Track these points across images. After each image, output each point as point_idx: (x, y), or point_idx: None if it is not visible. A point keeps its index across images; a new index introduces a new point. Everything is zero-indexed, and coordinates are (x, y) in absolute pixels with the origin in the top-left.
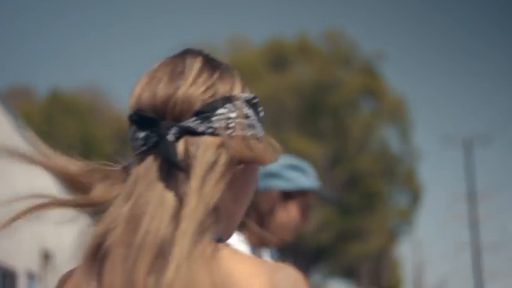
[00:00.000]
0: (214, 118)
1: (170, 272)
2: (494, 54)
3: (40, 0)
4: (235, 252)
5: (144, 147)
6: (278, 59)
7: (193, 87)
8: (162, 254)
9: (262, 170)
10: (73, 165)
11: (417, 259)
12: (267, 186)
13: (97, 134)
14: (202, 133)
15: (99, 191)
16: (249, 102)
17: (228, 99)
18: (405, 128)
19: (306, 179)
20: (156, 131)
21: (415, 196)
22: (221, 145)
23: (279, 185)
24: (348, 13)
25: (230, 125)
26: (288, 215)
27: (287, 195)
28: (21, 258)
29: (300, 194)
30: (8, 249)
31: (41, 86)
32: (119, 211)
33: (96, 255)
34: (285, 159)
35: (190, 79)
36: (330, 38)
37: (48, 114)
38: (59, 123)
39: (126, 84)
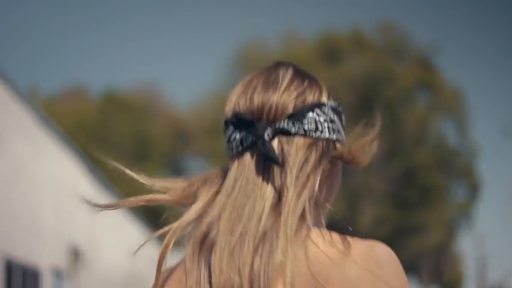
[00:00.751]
0: (305, 121)
1: (278, 256)
2: None
3: None
4: (333, 234)
5: (241, 147)
6: (331, 52)
7: (286, 93)
8: (265, 239)
9: None
10: (174, 184)
11: (479, 254)
12: None
13: (153, 133)
14: (295, 134)
15: (203, 196)
16: (334, 110)
17: (317, 105)
18: (462, 121)
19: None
20: (253, 132)
21: (474, 189)
22: (311, 145)
23: None
24: (402, 4)
25: (319, 128)
26: None
27: None
28: (46, 255)
29: None
30: (30, 245)
31: (95, 86)
32: (222, 204)
33: (203, 245)
34: None
35: (283, 86)
36: (384, 30)
37: (103, 113)
38: (114, 123)
39: (181, 82)
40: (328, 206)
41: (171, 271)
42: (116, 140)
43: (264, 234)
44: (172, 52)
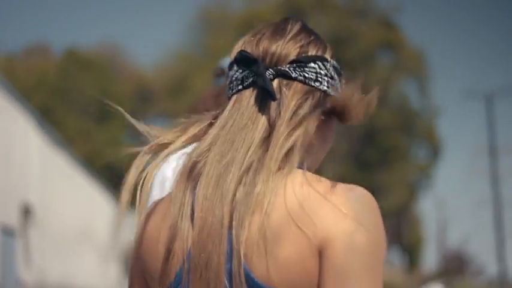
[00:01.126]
0: (306, 69)
1: (259, 185)
2: None
3: None
4: (314, 176)
5: (241, 86)
6: (294, 12)
7: (291, 42)
8: (250, 170)
9: None
10: (168, 134)
11: (440, 216)
12: None
13: (115, 91)
14: (294, 79)
15: (191, 130)
16: (335, 69)
17: (320, 59)
18: (424, 82)
19: None
20: (255, 69)
21: (435, 151)
22: (308, 92)
23: None
24: None
25: (318, 79)
26: None
27: None
28: None
29: None
30: None
31: (57, 43)
32: (214, 136)
33: (191, 175)
34: None
35: (290, 36)
36: None
37: (64, 71)
38: (76, 80)
39: (144, 41)
40: (318, 159)
41: (156, 204)
42: (78, 98)
43: (250, 165)
44: (136, 10)
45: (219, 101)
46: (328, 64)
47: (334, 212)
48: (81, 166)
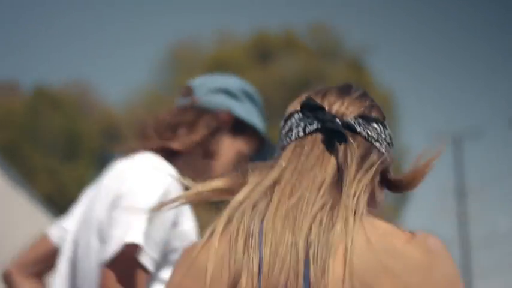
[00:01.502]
0: (369, 127)
1: (339, 224)
2: (484, 49)
3: None
4: (389, 224)
5: (303, 134)
6: (263, 52)
7: (356, 101)
8: (325, 207)
9: (213, 83)
10: (217, 182)
11: None
12: (218, 103)
13: (83, 130)
14: (358, 133)
15: (253, 179)
16: (391, 139)
17: (382, 122)
18: (393, 123)
19: (259, 119)
20: (321, 116)
21: (402, 194)
22: (370, 149)
23: (236, 109)
24: (335, 5)
25: (379, 140)
26: (231, 151)
27: (239, 127)
28: None
29: (252, 132)
30: None
31: (26, 81)
32: (277, 176)
33: (255, 208)
34: (245, 84)
35: (354, 96)
36: (316, 32)
37: (33, 109)
38: (44, 119)
39: (114, 80)
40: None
41: (207, 241)
42: (46, 137)
43: (324, 203)
44: (105, 50)
45: (179, 120)
46: (387, 131)
47: (414, 261)
48: (42, 205)
